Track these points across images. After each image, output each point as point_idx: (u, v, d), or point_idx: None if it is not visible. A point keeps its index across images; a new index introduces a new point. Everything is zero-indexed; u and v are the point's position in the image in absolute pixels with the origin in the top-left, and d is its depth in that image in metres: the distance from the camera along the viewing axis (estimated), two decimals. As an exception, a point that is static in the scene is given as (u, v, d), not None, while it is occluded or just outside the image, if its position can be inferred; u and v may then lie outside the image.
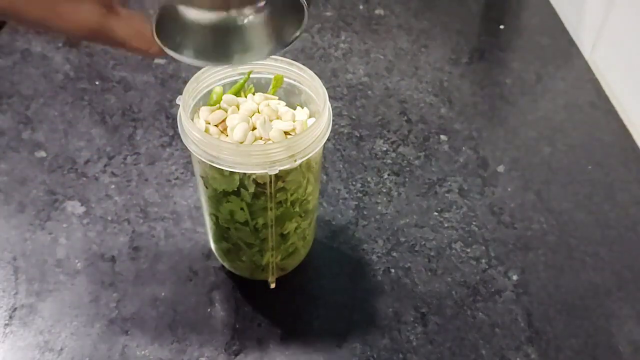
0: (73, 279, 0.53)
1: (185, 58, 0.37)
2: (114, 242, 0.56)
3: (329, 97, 0.45)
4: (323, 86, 0.45)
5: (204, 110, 0.45)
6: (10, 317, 0.50)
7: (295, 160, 0.42)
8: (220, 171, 0.43)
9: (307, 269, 0.55)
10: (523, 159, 0.66)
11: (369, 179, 0.63)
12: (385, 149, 0.66)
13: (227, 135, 0.44)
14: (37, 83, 0.71)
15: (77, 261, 0.54)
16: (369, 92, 0.73)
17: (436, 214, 0.60)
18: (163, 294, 0.53)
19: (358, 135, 0.68)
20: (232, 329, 0.51)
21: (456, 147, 0.67)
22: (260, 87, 0.48)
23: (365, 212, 0.60)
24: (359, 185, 0.62)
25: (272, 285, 0.53)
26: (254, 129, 0.44)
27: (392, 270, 0.55)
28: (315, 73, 0.46)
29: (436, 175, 0.64)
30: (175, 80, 0.73)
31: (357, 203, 0.61)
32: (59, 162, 0.63)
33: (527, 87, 0.75)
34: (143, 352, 0.49)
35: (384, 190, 0.62)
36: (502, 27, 0.85)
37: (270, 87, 0.48)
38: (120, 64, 0.75)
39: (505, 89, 0.75)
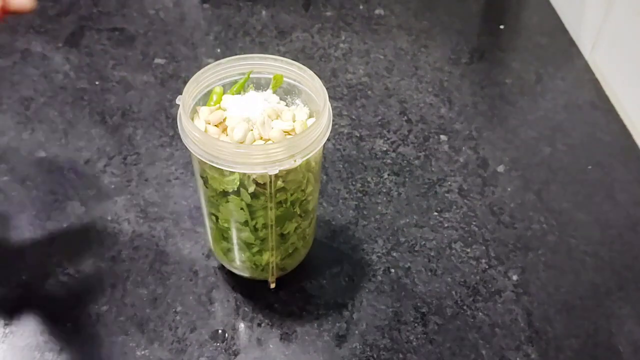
0: (73, 279, 0.53)
1: None
2: (114, 242, 0.56)
3: (329, 97, 0.45)
4: (323, 86, 0.45)
5: (204, 110, 0.45)
6: (11, 317, 0.50)
7: (295, 160, 0.42)
8: (220, 171, 0.43)
9: (307, 269, 0.55)
10: (523, 159, 0.66)
11: (369, 179, 0.63)
12: (385, 149, 0.66)
13: (227, 135, 0.44)
14: (37, 83, 0.71)
15: (77, 261, 0.54)
16: (369, 92, 0.73)
17: (436, 214, 0.60)
18: (163, 294, 0.53)
19: (358, 135, 0.68)
20: (232, 329, 0.51)
21: (456, 147, 0.67)
22: (260, 87, 0.48)
23: (365, 212, 0.60)
24: (359, 185, 0.62)
25: (272, 285, 0.53)
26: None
27: (392, 270, 0.55)
28: (315, 73, 0.46)
29: (436, 175, 0.64)
30: (175, 80, 0.73)
31: (357, 203, 0.61)
32: (59, 162, 0.63)
33: (527, 87, 0.75)
34: (143, 352, 0.49)
35: (384, 190, 0.62)
36: (502, 27, 0.85)
37: (270, 86, 0.48)
38: (120, 64, 0.75)
39: (505, 89, 0.75)
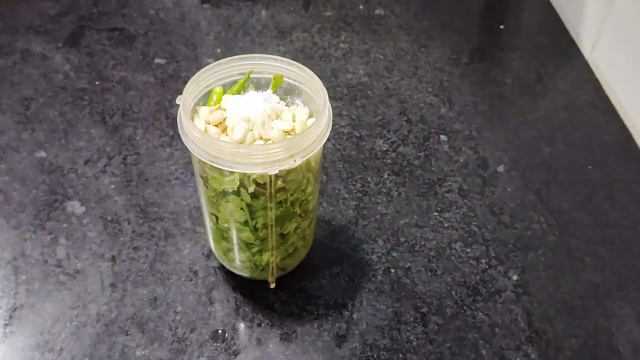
0: (73, 279, 0.53)
1: None
2: (114, 242, 0.56)
3: (329, 97, 0.45)
4: (323, 86, 0.45)
5: (204, 110, 0.45)
6: (10, 317, 0.51)
7: (295, 160, 0.42)
8: (220, 171, 0.43)
9: (307, 269, 0.55)
10: (523, 159, 0.66)
11: (369, 179, 0.63)
12: (385, 149, 0.66)
13: (227, 135, 0.44)
14: (37, 83, 0.71)
15: (77, 261, 0.54)
16: (369, 92, 0.73)
17: (436, 214, 0.60)
18: (163, 294, 0.53)
19: (358, 135, 0.68)
20: (232, 329, 0.51)
21: (456, 147, 0.67)
22: (260, 87, 0.48)
23: (365, 212, 0.60)
24: (359, 185, 0.62)
25: (272, 285, 0.53)
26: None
27: (392, 270, 0.55)
28: (315, 73, 0.46)
29: (436, 175, 0.64)
30: (175, 80, 0.73)
31: (357, 203, 0.61)
32: (59, 162, 0.63)
33: (527, 87, 0.75)
34: (143, 352, 0.49)
35: (384, 190, 0.62)
36: (502, 27, 0.85)
37: (270, 86, 0.48)
38: (120, 64, 0.75)
39: (505, 89, 0.75)
